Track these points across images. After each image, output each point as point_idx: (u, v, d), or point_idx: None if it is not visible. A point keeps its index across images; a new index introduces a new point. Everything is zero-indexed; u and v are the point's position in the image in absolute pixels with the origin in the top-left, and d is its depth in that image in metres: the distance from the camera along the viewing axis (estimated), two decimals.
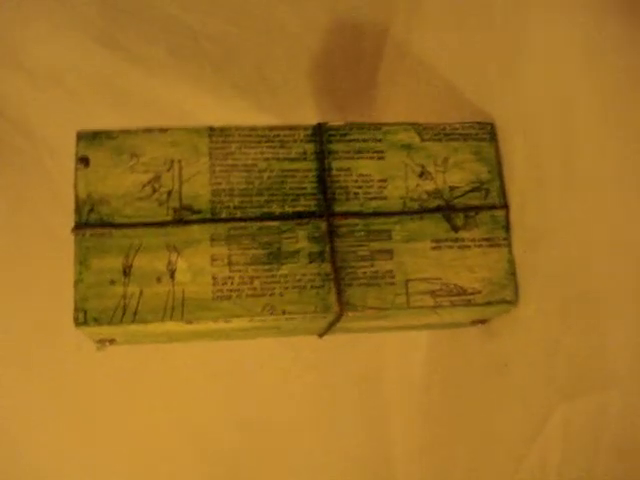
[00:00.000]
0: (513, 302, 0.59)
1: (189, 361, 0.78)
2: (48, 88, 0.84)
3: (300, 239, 0.57)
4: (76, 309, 0.54)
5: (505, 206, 0.60)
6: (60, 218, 0.60)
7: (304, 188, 0.58)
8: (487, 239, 0.60)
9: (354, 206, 0.59)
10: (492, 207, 0.60)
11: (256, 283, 0.56)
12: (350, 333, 0.67)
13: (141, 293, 0.55)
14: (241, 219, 0.57)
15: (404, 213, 0.59)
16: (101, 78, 0.84)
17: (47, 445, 0.78)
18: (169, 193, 0.57)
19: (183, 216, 0.57)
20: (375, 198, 0.59)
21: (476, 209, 0.60)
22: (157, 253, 0.55)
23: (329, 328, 0.61)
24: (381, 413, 0.82)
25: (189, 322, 0.55)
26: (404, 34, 0.77)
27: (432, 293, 0.58)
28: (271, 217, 0.58)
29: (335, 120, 0.61)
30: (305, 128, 0.59)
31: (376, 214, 0.59)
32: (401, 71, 0.78)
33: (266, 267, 0.56)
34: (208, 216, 0.57)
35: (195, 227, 0.56)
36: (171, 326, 0.55)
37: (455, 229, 0.59)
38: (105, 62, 0.83)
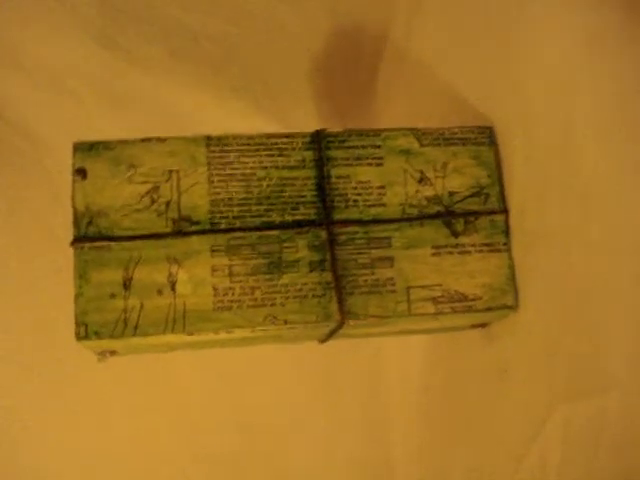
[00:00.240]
0: (514, 308, 0.59)
1: (190, 368, 0.79)
2: (48, 89, 0.84)
3: (300, 248, 0.57)
4: (77, 323, 0.54)
5: (505, 211, 0.60)
6: (60, 218, 0.60)
7: (303, 196, 0.58)
8: (487, 244, 0.59)
9: (354, 213, 0.58)
10: (492, 212, 0.60)
11: (257, 293, 0.56)
12: (351, 338, 0.67)
13: (142, 306, 0.55)
14: (241, 229, 0.57)
15: (404, 220, 0.59)
16: (101, 79, 0.84)
17: (48, 451, 0.78)
18: (168, 204, 0.57)
19: (182, 227, 0.56)
20: (374, 205, 0.59)
21: (476, 214, 0.60)
22: (157, 265, 0.55)
23: (330, 335, 0.61)
24: (381, 416, 0.82)
25: (190, 334, 0.55)
26: (404, 36, 0.77)
27: (433, 300, 0.58)
28: (271, 226, 0.57)
29: (334, 122, 0.61)
30: (303, 135, 0.59)
31: (376, 221, 0.58)
32: (400, 73, 0.77)
33: (267, 277, 0.56)
34: (207, 227, 0.57)
35: (195, 238, 0.56)
36: (172, 338, 0.55)
37: (455, 235, 0.59)
38: (105, 63, 0.83)
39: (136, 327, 0.54)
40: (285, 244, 0.57)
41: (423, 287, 0.58)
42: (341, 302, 0.56)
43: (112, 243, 0.55)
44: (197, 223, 0.57)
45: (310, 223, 0.58)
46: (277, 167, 0.58)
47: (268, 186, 0.58)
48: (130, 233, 0.56)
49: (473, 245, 0.59)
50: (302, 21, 0.82)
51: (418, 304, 0.58)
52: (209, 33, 0.83)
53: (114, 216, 0.56)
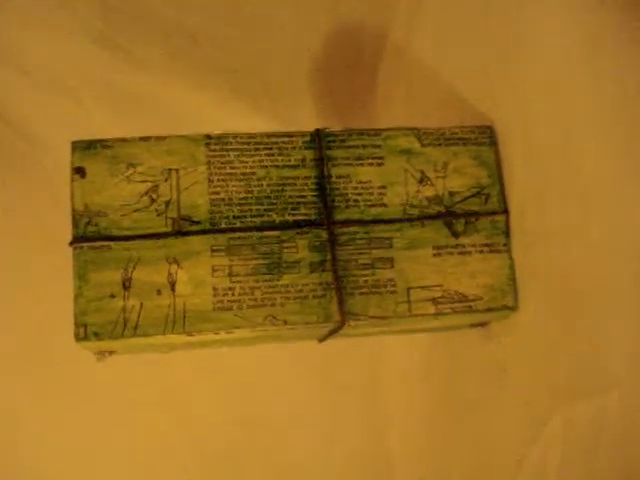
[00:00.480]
0: (514, 308, 0.59)
1: (189, 366, 0.79)
2: (48, 89, 0.84)
3: (300, 249, 0.57)
4: (76, 324, 0.54)
5: (505, 211, 0.60)
6: (59, 218, 0.60)
7: (304, 196, 0.58)
8: (487, 245, 0.59)
9: (354, 214, 0.58)
10: (492, 213, 0.60)
11: (257, 294, 0.56)
12: (350, 337, 0.67)
13: (142, 306, 0.54)
14: (241, 229, 0.57)
15: (404, 220, 0.59)
16: (101, 79, 0.84)
17: (48, 451, 0.78)
18: (167, 203, 0.56)
19: (182, 227, 0.56)
20: (375, 205, 0.59)
21: (476, 215, 0.60)
22: (157, 265, 0.55)
23: (330, 335, 0.61)
24: (381, 415, 0.82)
25: (190, 334, 0.55)
26: (404, 36, 0.77)
27: (433, 300, 0.58)
28: (271, 226, 0.57)
29: (334, 123, 0.61)
30: (303, 135, 0.59)
31: (376, 221, 0.58)
32: (400, 73, 0.77)
33: (267, 277, 0.56)
34: (207, 226, 0.57)
35: (195, 238, 0.56)
36: (172, 338, 0.55)
37: (455, 235, 0.59)
38: (105, 63, 0.83)
39: (136, 327, 0.54)
40: (285, 244, 0.57)
41: (423, 288, 0.58)
42: (341, 303, 0.56)
43: (111, 243, 0.55)
44: (197, 223, 0.56)
45: (310, 223, 0.58)
46: (277, 166, 0.58)
47: (268, 185, 0.58)
48: (129, 233, 0.56)
49: (473, 246, 0.59)
50: (302, 21, 0.82)
51: (418, 304, 0.57)
52: (209, 33, 0.83)
53: (113, 216, 0.56)
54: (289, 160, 0.58)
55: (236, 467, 0.81)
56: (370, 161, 0.59)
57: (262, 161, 0.58)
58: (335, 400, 0.83)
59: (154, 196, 0.56)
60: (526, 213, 0.59)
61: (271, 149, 0.58)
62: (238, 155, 0.58)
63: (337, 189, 0.58)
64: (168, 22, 0.82)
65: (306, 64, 0.83)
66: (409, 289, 0.58)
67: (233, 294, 0.56)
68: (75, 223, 0.55)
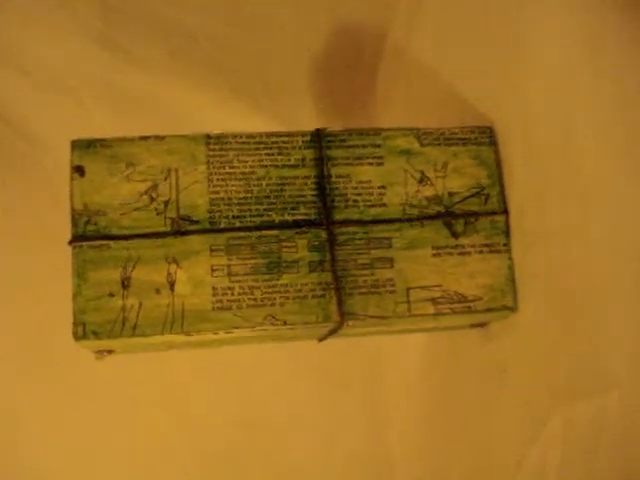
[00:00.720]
0: (513, 309, 0.59)
1: (189, 366, 0.79)
2: (48, 89, 0.84)
3: (300, 248, 0.57)
4: (75, 323, 0.54)
5: (505, 211, 0.60)
6: (58, 217, 0.60)
7: (303, 196, 0.58)
8: (487, 245, 0.59)
9: (354, 214, 0.58)
10: (492, 213, 0.60)
11: (256, 293, 0.56)
12: (349, 337, 0.67)
13: (140, 305, 0.54)
14: (240, 229, 0.57)
15: (404, 220, 0.59)
16: (101, 79, 0.84)
17: (48, 450, 0.78)
18: (166, 203, 0.56)
19: (181, 226, 0.56)
20: (375, 205, 0.59)
21: (476, 215, 0.60)
22: (156, 265, 0.55)
23: (329, 334, 0.61)
24: (380, 415, 0.82)
25: (189, 334, 0.55)
26: (404, 36, 0.77)
27: (433, 300, 0.58)
28: (270, 226, 0.57)
29: (334, 123, 0.60)
30: (303, 134, 0.59)
31: (376, 221, 0.58)
32: (400, 73, 0.77)
33: (266, 277, 0.56)
34: (207, 226, 0.56)
35: (194, 237, 0.56)
36: (171, 338, 0.55)
37: (455, 235, 0.59)
38: (105, 63, 0.83)
39: (134, 327, 0.54)
40: (285, 244, 0.57)
41: (423, 288, 0.58)
42: (340, 302, 0.56)
43: (110, 242, 0.55)
44: (196, 222, 0.56)
45: (310, 223, 0.58)
46: (277, 166, 0.58)
47: (268, 185, 0.58)
48: (129, 232, 0.56)
49: (473, 246, 0.59)
50: (302, 21, 0.82)
51: (418, 305, 0.57)
52: (209, 33, 0.83)
53: (112, 215, 0.56)
54: (289, 160, 0.58)
55: (235, 466, 0.81)
56: (370, 161, 0.59)
57: (262, 161, 0.58)
58: (335, 400, 0.83)
59: (153, 195, 0.56)
60: (526, 213, 0.59)
61: (271, 149, 0.58)
62: (238, 155, 0.58)
63: (337, 189, 0.58)
64: (168, 22, 0.82)
65: (306, 64, 0.83)
66: (408, 289, 0.57)
67: (232, 294, 0.55)
68: (74, 222, 0.55)
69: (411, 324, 0.60)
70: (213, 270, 0.56)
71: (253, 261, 0.56)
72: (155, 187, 0.57)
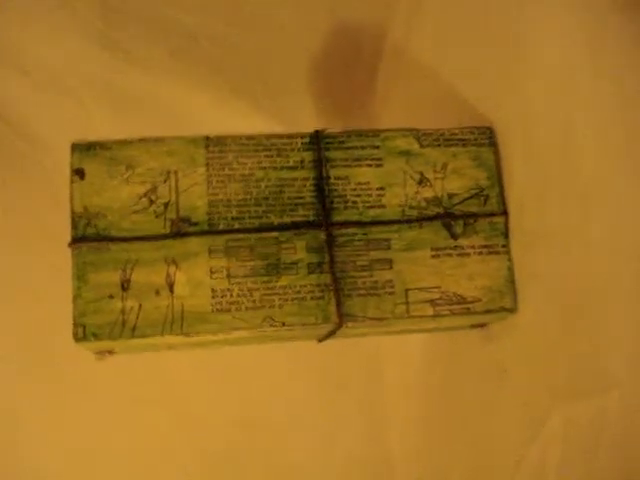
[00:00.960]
0: (512, 310, 0.59)
1: (189, 366, 0.79)
2: (48, 89, 0.83)
3: (299, 250, 0.57)
4: (75, 324, 0.54)
5: (504, 213, 0.60)
6: (58, 219, 0.60)
7: (302, 197, 0.58)
8: (486, 246, 0.59)
9: (353, 215, 0.58)
10: (491, 214, 0.60)
11: (255, 295, 0.56)
12: (349, 338, 0.67)
13: (140, 307, 0.55)
14: (239, 230, 0.57)
15: (403, 222, 0.58)
16: (101, 79, 0.84)
17: (48, 451, 0.78)
18: (166, 205, 0.57)
19: (181, 228, 0.56)
20: (374, 206, 0.59)
21: (475, 216, 0.60)
22: (155, 267, 0.55)
23: (328, 335, 0.61)
24: (380, 415, 0.82)
25: (188, 336, 0.55)
26: (404, 36, 0.76)
27: (432, 302, 0.58)
28: (269, 228, 0.57)
29: (333, 123, 0.60)
30: (302, 136, 0.59)
31: (375, 223, 0.58)
32: (400, 73, 0.77)
33: (265, 279, 0.56)
34: (206, 228, 0.57)
35: (193, 239, 0.56)
36: (170, 339, 0.55)
37: (454, 237, 0.59)
38: (105, 63, 0.83)
39: (134, 328, 0.54)
40: (283, 245, 0.57)
41: (421, 289, 0.58)
42: (339, 304, 0.56)
43: (110, 244, 0.55)
44: (195, 224, 0.56)
45: (309, 224, 0.58)
46: (276, 168, 0.58)
47: (267, 187, 0.58)
48: (128, 234, 0.56)
49: (472, 247, 0.59)
50: (301, 21, 0.82)
51: (416, 306, 0.57)
52: (209, 33, 0.82)
53: (112, 217, 0.56)
54: (288, 161, 0.58)
55: (235, 466, 0.81)
56: (369, 162, 0.59)
57: (261, 162, 0.58)
58: (334, 400, 0.83)
59: (153, 197, 0.57)
60: (526, 213, 0.59)
61: (270, 150, 0.58)
62: (237, 156, 0.58)
63: (335, 190, 0.58)
64: (168, 22, 0.82)
65: (306, 64, 0.82)
66: (407, 290, 0.57)
67: (231, 295, 0.56)
68: (74, 224, 0.56)
69: (410, 325, 0.60)
70: (212, 272, 0.56)
71: (252, 263, 0.56)
72: (154, 189, 0.57)
